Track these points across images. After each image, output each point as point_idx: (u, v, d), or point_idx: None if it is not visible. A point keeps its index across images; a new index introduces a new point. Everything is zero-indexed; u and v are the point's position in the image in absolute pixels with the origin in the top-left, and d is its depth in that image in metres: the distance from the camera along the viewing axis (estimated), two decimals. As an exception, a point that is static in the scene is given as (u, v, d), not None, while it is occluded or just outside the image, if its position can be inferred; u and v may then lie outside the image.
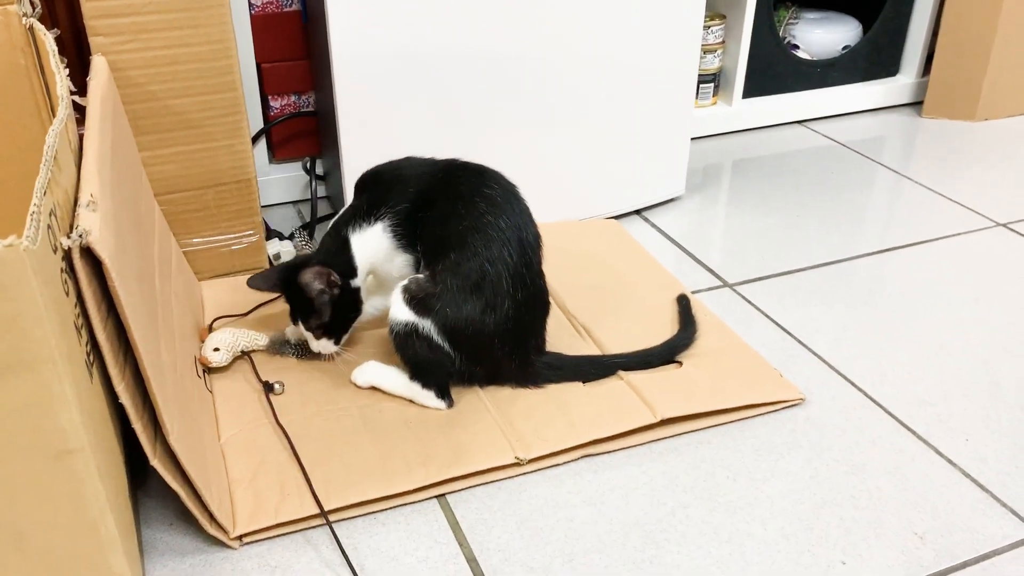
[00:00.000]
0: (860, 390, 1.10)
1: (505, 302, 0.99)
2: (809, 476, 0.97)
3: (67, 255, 0.68)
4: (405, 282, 1.01)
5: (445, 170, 1.05)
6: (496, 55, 1.31)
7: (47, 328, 0.60)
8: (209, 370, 1.09)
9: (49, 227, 0.65)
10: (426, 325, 0.99)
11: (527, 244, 1.01)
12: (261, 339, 1.13)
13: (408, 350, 1.01)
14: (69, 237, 0.68)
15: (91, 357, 0.72)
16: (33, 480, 0.64)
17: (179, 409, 0.84)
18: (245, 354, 1.12)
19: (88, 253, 0.69)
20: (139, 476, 0.92)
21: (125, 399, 0.75)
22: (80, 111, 0.93)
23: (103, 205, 0.75)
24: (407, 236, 1.03)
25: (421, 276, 1.01)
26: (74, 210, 0.73)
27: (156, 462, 0.79)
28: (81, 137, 0.85)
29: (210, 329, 1.15)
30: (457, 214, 1.00)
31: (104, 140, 0.87)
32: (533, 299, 1.03)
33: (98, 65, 1.05)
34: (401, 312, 1.00)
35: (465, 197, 1.01)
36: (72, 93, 0.92)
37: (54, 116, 0.80)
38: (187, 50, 1.11)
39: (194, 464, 0.82)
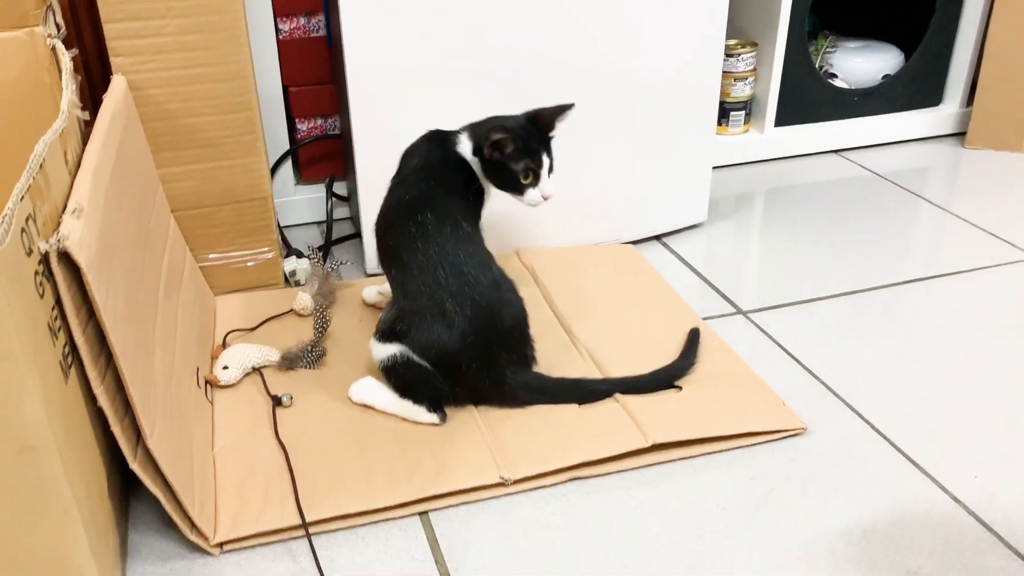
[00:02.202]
0: (867, 422, 1.07)
1: (455, 319, 0.99)
2: (803, 507, 0.94)
3: (45, 259, 0.71)
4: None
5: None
6: (511, 76, 1.31)
7: (10, 324, 0.62)
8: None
9: (24, 231, 0.67)
10: (403, 351, 1.01)
11: (462, 263, 1.01)
12: (273, 355, 1.15)
13: (394, 378, 1.04)
14: (48, 241, 0.71)
15: (69, 359, 0.74)
16: (-4, 474, 0.66)
17: (164, 415, 0.86)
18: (256, 370, 1.14)
19: (67, 258, 0.72)
20: (133, 482, 0.94)
21: (104, 401, 0.77)
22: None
23: (92, 213, 0.78)
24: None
25: (383, 312, 1.07)
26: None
27: (136, 466, 0.81)
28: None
29: (224, 346, 1.17)
30: (394, 229, 1.06)
31: (107, 152, 0.90)
32: (489, 314, 1.01)
33: (116, 84, 1.09)
34: (378, 350, 1.04)
35: (404, 211, 1.06)
36: (81, 108, 0.96)
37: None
38: (203, 70, 1.15)
39: (175, 469, 0.84)
